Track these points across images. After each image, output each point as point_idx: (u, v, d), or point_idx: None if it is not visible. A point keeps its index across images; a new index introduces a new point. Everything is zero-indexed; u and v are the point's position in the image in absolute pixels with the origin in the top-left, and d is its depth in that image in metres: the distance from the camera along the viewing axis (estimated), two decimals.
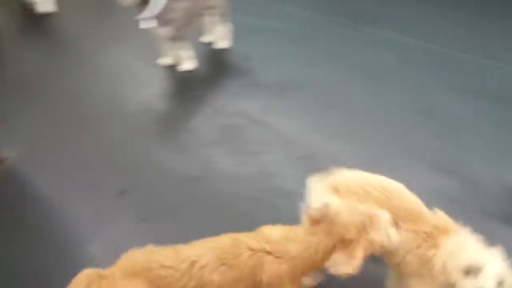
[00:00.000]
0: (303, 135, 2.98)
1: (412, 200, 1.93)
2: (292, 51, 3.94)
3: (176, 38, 3.40)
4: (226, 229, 2.27)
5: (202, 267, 1.56)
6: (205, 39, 3.92)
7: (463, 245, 1.69)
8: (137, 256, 1.59)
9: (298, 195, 2.56)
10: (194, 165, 2.77)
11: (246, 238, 1.66)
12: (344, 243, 1.56)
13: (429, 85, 3.50)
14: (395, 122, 3.15)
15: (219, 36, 3.82)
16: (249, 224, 2.36)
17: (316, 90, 3.44)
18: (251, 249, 1.61)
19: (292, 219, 2.40)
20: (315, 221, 1.66)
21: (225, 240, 1.67)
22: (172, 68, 3.64)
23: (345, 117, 3.18)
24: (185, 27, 3.42)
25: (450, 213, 2.52)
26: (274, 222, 2.37)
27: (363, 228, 1.56)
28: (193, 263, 1.56)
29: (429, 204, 2.55)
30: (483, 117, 3.15)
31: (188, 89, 3.49)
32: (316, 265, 1.62)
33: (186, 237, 2.23)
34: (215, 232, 2.25)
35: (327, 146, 2.90)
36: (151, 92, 3.44)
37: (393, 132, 3.07)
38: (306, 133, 3.01)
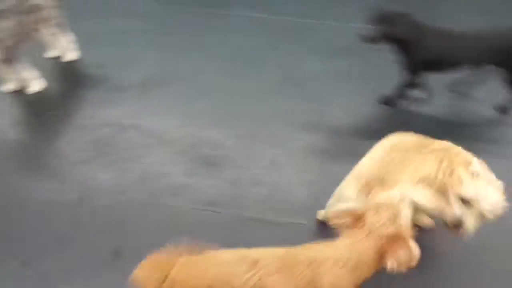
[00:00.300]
0: (178, 130, 3.00)
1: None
2: (150, 49, 3.85)
3: (8, 60, 3.08)
4: (124, 244, 2.23)
5: (262, 268, 1.55)
6: (50, 54, 3.62)
7: (470, 177, 1.87)
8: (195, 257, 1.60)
9: (186, 188, 2.60)
10: (71, 188, 2.59)
11: (300, 250, 1.65)
12: (390, 238, 1.56)
13: (289, 54, 3.78)
14: (264, 95, 3.35)
15: (64, 48, 3.56)
16: (150, 231, 2.33)
17: (182, 83, 3.44)
18: (309, 259, 1.59)
19: (186, 214, 2.45)
20: (351, 225, 1.65)
21: (280, 250, 1.66)
22: (19, 92, 3.29)
23: (217, 103, 3.26)
24: (17, 47, 3.10)
25: (322, 162, 2.84)
26: (171, 221, 2.40)
27: (396, 217, 1.59)
28: (254, 262, 1.56)
29: (306, 159, 2.82)
30: (338, 72, 3.51)
31: (44, 110, 3.21)
32: (371, 267, 1.61)
33: (80, 267, 2.14)
34: (114, 251, 2.20)
35: (203, 134, 2.96)
36: (1, 123, 3.09)
37: (264, 104, 3.25)
38: (180, 127, 3.02)
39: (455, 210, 1.90)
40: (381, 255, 1.55)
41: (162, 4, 4.43)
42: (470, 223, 1.89)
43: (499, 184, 1.90)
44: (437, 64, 3.00)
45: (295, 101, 3.26)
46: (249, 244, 2.26)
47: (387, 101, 3.21)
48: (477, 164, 1.93)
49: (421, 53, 2.94)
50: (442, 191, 1.95)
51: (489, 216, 1.88)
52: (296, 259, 1.60)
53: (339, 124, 3.07)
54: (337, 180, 2.65)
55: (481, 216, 1.89)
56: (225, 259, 1.61)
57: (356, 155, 2.83)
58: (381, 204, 1.66)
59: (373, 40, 2.90)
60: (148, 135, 2.94)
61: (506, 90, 3.05)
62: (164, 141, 2.90)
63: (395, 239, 1.55)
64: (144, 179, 2.65)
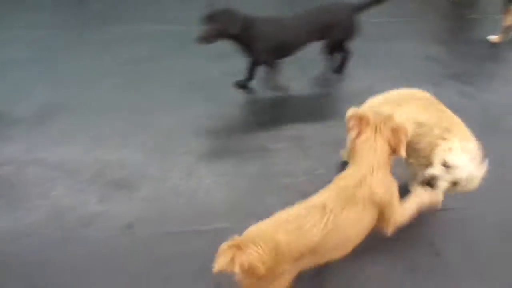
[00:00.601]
0: (83, 157, 2.85)
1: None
2: (39, 77, 3.60)
3: None
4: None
5: (331, 210, 1.71)
6: None
7: (459, 149, 2.03)
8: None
9: (100, 216, 2.48)
10: None
11: (347, 180, 1.84)
12: (393, 130, 1.87)
13: (186, 61, 3.77)
14: (167, 105, 3.32)
15: None
16: (67, 269, 2.20)
17: (80, 108, 3.28)
18: (358, 183, 1.79)
19: (105, 243, 2.33)
20: (358, 124, 1.89)
21: (333, 188, 1.84)
22: None
23: (120, 121, 3.16)
24: None
25: (236, 162, 2.87)
26: (89, 253, 2.27)
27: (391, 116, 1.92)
28: (323, 208, 1.71)
29: (220, 162, 2.83)
30: (235, 72, 3.50)
31: None
32: (390, 159, 1.90)
33: None
34: None
35: (111, 156, 2.85)
36: None
37: (168, 114, 3.23)
38: (85, 153, 2.88)
39: (435, 169, 2.05)
40: (390, 147, 1.87)
41: (44, 29, 4.19)
42: (443, 185, 2.05)
43: (483, 166, 2.05)
44: (279, 50, 3.15)
45: (199, 106, 3.28)
46: (174, 260, 2.24)
47: (279, 90, 3.35)
48: (472, 143, 2.09)
49: (259, 44, 3.06)
50: (431, 147, 2.12)
51: (462, 185, 2.04)
52: (350, 188, 1.80)
53: (245, 123, 3.16)
54: (252, 177, 2.72)
55: (454, 184, 2.05)
56: (296, 214, 1.71)
57: (266, 150, 2.94)
58: (377, 112, 1.95)
59: (206, 40, 2.93)
60: (52, 168, 2.77)
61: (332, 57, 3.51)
62: (70, 171, 2.75)
63: (397, 129, 1.86)
64: (54, 215, 2.49)
